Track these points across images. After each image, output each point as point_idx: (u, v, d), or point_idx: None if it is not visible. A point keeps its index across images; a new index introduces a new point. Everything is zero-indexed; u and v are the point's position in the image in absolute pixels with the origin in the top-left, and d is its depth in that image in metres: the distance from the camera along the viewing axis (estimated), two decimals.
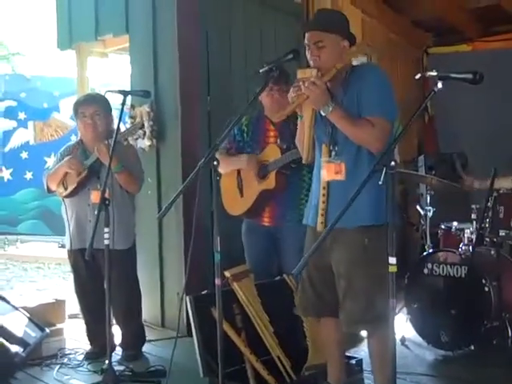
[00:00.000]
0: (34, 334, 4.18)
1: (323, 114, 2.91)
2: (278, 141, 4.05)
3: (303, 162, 3.12)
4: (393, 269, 2.32)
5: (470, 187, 4.94)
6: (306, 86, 2.86)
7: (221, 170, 3.85)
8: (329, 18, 3.11)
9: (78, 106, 4.14)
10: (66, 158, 4.09)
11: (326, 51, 2.96)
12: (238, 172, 4.15)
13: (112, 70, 10.74)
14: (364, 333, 4.12)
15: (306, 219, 3.21)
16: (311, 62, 3.01)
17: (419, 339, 4.38)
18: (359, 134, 2.91)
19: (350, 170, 2.93)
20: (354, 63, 3.11)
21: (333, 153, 3.00)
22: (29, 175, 11.68)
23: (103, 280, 3.72)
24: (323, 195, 3.03)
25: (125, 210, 4.16)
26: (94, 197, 3.71)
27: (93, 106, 4.10)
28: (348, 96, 2.98)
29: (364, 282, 2.91)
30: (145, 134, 4.85)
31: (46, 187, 4.23)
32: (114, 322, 4.16)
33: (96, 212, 3.46)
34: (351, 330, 3.14)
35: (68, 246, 4.23)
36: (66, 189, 4.11)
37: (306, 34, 3.03)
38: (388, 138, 2.89)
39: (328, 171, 2.97)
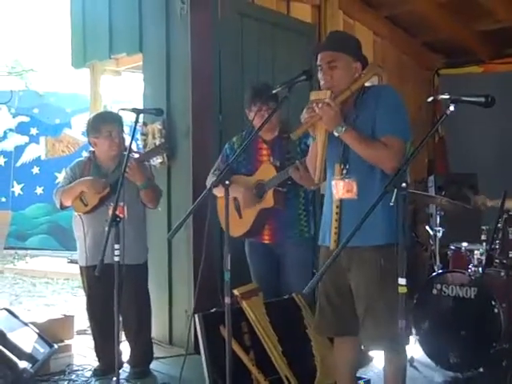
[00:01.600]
0: (42, 349, 4.18)
1: (336, 134, 2.93)
2: (271, 159, 4.08)
3: (315, 181, 3.14)
4: (403, 290, 2.32)
5: (483, 205, 4.91)
6: (320, 107, 2.89)
7: (217, 193, 3.76)
8: (341, 40, 3.15)
9: (102, 125, 4.16)
10: (86, 178, 4.11)
11: (338, 72, 2.99)
12: None
13: (125, 88, 10.80)
14: (373, 353, 4.13)
15: (321, 239, 3.22)
16: (323, 83, 3.03)
17: (428, 360, 4.37)
18: (372, 153, 2.92)
19: (362, 188, 2.94)
20: (366, 84, 3.12)
21: (344, 171, 3.02)
22: (39, 190, 11.72)
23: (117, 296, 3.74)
24: (336, 213, 3.04)
25: (141, 225, 4.21)
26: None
27: (117, 124, 4.16)
28: (361, 116, 3.00)
29: (383, 302, 2.90)
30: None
31: (58, 203, 4.24)
32: (122, 338, 4.16)
33: (121, 226, 3.47)
34: (371, 348, 3.14)
35: (83, 263, 4.22)
36: (85, 205, 4.13)
37: (319, 55, 3.06)
38: (402, 157, 2.91)
39: (339, 189, 2.98)
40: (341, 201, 3.03)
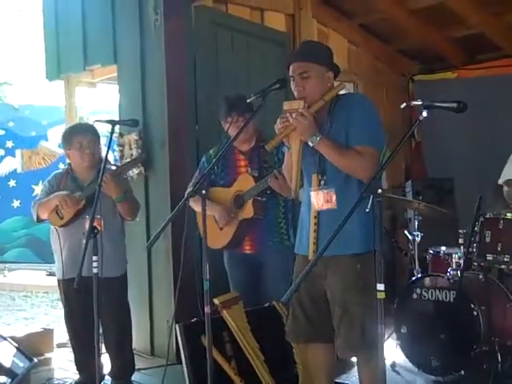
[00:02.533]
0: (22, 364, 4.13)
1: (311, 144, 2.93)
2: (249, 169, 4.09)
3: (292, 192, 3.14)
4: (381, 295, 2.34)
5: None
6: (294, 118, 2.89)
7: (194, 207, 3.63)
8: (313, 49, 3.15)
9: (73, 136, 4.13)
10: (60, 193, 4.07)
11: (310, 82, 3.00)
12: None
13: (100, 98, 10.77)
14: (354, 359, 4.13)
15: (297, 248, 3.22)
16: (296, 93, 3.03)
17: (409, 365, 4.39)
18: (347, 163, 2.93)
19: (340, 198, 2.95)
20: (340, 92, 3.13)
21: (322, 182, 3.03)
22: (16, 203, 11.62)
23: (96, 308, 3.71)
24: (314, 224, 3.04)
25: (118, 237, 4.17)
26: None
27: (88, 135, 4.12)
28: (335, 125, 3.01)
29: (359, 308, 2.91)
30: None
31: (35, 217, 4.21)
32: (103, 351, 4.13)
33: (84, 241, 3.46)
34: (347, 355, 3.14)
35: (59, 276, 4.19)
36: (61, 218, 4.10)
37: (291, 66, 3.05)
38: (376, 167, 2.92)
39: (317, 200, 2.99)
40: (318, 211, 3.03)
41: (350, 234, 2.73)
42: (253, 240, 4.11)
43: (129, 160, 4.73)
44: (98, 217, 3.48)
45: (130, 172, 4.89)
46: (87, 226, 3.57)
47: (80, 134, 4.12)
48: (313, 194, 3.03)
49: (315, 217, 3.05)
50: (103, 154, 3.92)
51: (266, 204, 4.00)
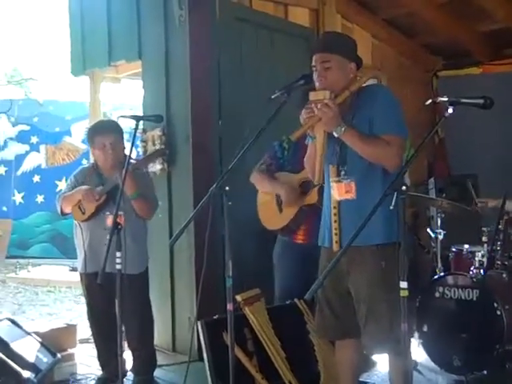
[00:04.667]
0: (45, 359, 4.17)
1: (336, 135, 2.92)
2: None
3: (315, 182, 3.14)
4: (404, 293, 2.32)
5: (484, 207, 4.89)
6: (319, 108, 2.88)
7: (258, 187, 4.17)
8: (335, 40, 3.14)
9: (95, 136, 4.13)
10: (83, 187, 4.10)
11: (332, 72, 2.99)
12: None
13: (124, 94, 10.83)
14: (376, 357, 4.12)
15: (320, 240, 3.22)
16: (317, 84, 3.03)
17: (431, 364, 4.35)
18: (374, 152, 2.92)
19: (360, 188, 2.94)
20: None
21: (342, 172, 3.03)
22: (40, 198, 11.73)
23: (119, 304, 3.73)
24: (334, 215, 3.05)
25: (138, 234, 4.17)
26: (110, 221, 3.71)
27: (111, 135, 4.09)
28: (358, 117, 3.00)
29: (385, 305, 2.90)
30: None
31: (59, 210, 4.24)
32: (125, 347, 4.15)
33: (122, 234, 3.47)
34: (374, 352, 3.13)
35: (81, 269, 4.21)
36: (83, 213, 4.13)
37: (314, 56, 3.05)
38: (402, 155, 2.93)
39: (338, 191, 2.99)
40: (339, 202, 3.03)
41: (372, 224, 2.71)
42: (308, 230, 4.08)
43: (148, 154, 4.73)
44: (120, 213, 3.49)
45: (153, 167, 4.91)
46: (108, 221, 3.59)
47: (103, 135, 4.09)
48: (333, 184, 3.03)
49: (335, 207, 3.06)
50: (127, 150, 3.92)
51: None
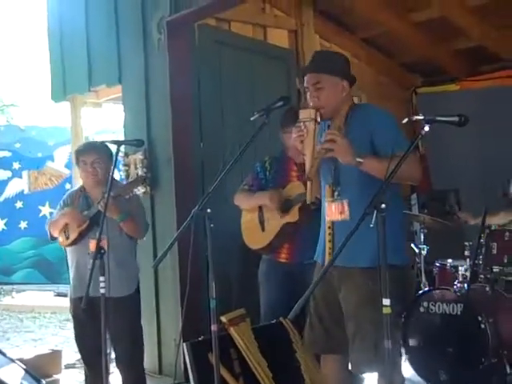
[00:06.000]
0: None
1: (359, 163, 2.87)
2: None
3: (307, 201, 3.17)
4: (387, 310, 2.34)
5: (465, 223, 4.95)
6: (329, 142, 2.86)
7: (242, 206, 4.19)
8: (326, 60, 3.15)
9: (79, 155, 4.17)
10: (67, 210, 4.12)
11: (324, 92, 3.02)
12: (260, 207, 4.19)
13: (106, 118, 10.84)
14: (365, 374, 4.11)
15: (316, 256, 3.25)
16: (311, 104, 3.06)
17: (418, 378, 4.37)
18: (405, 172, 2.73)
19: (354, 209, 2.93)
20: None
21: (335, 193, 3.04)
22: (23, 224, 11.66)
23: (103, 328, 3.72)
24: (329, 234, 3.08)
25: (125, 256, 4.15)
26: (93, 245, 3.72)
27: (93, 154, 4.13)
28: (353, 134, 2.97)
29: (371, 324, 2.89)
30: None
31: (49, 235, 4.26)
32: (112, 370, 4.13)
33: (105, 258, 3.46)
34: (360, 370, 3.12)
35: (69, 294, 4.22)
36: (67, 238, 4.13)
37: (305, 77, 3.09)
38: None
39: (332, 211, 3.01)
40: (333, 222, 3.05)
41: (360, 247, 2.75)
42: (291, 249, 4.11)
43: (130, 181, 4.74)
44: (104, 237, 3.50)
45: (136, 191, 4.91)
46: (91, 246, 3.60)
47: (85, 153, 4.14)
48: (327, 204, 3.05)
49: (329, 227, 3.08)
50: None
51: (313, 213, 3.97)
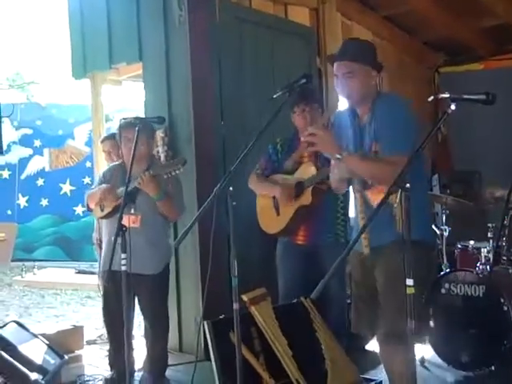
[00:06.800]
0: (53, 361, 4.19)
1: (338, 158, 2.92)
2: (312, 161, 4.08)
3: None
4: (410, 290, 2.32)
5: (491, 198, 4.82)
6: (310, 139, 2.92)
7: (256, 192, 4.27)
8: (358, 49, 3.10)
9: (122, 130, 4.17)
10: (103, 186, 4.15)
11: (355, 81, 2.99)
12: None
13: (126, 96, 10.82)
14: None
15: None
16: (339, 91, 3.06)
17: (439, 360, 4.36)
18: (372, 174, 2.95)
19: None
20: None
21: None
22: (44, 202, 11.73)
23: (131, 303, 3.77)
24: (362, 219, 3.08)
25: (157, 235, 4.16)
26: (126, 221, 3.72)
27: (133, 130, 4.11)
28: (376, 126, 2.99)
29: (396, 297, 2.88)
30: (160, 159, 4.89)
31: (86, 205, 4.33)
32: (134, 346, 4.16)
33: (127, 236, 3.46)
34: (387, 343, 3.11)
35: (101, 266, 4.29)
36: (102, 210, 4.16)
37: (335, 65, 3.05)
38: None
39: (373, 195, 3.00)
40: (367, 207, 3.03)
41: (387, 225, 2.83)
42: (307, 231, 4.13)
43: (172, 161, 4.70)
44: (137, 213, 3.51)
45: (177, 171, 4.87)
46: (124, 221, 3.60)
47: (127, 129, 4.11)
48: (358, 194, 3.07)
49: (361, 212, 3.09)
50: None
51: (325, 194, 3.97)
